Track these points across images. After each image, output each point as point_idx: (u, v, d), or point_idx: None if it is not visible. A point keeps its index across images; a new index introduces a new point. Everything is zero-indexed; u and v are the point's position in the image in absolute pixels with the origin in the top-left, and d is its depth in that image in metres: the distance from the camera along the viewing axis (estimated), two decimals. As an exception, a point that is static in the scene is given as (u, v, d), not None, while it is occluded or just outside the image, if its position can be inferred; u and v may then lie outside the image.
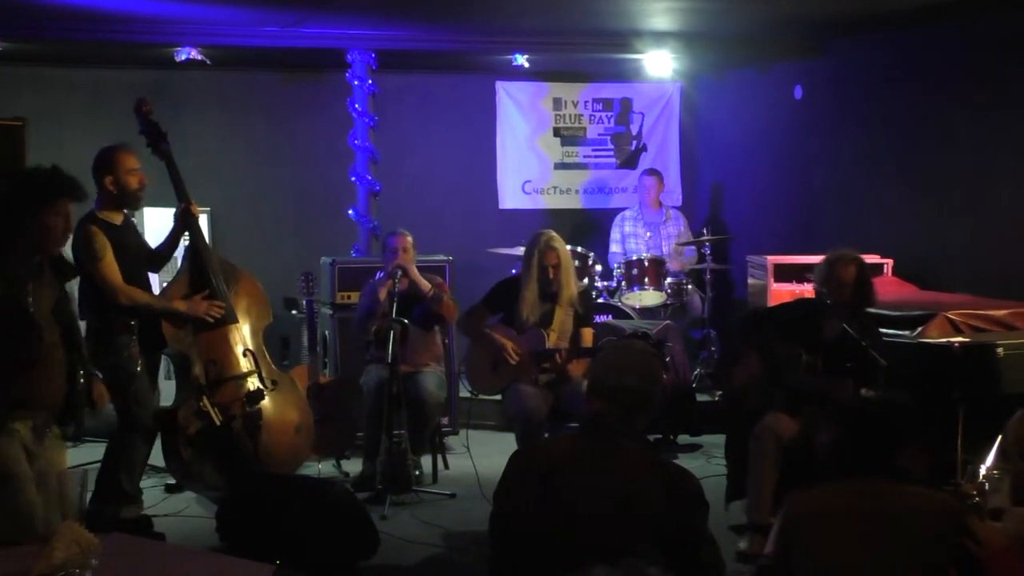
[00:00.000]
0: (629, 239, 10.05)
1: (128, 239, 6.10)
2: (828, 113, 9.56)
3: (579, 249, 9.00)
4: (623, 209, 10.48)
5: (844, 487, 3.36)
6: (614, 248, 10.17)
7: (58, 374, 4.62)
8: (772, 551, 3.47)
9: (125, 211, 6.15)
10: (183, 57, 9.21)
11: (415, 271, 7.20)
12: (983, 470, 4.20)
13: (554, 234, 6.93)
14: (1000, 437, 4.04)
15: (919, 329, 6.45)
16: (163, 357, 6.55)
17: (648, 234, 9.96)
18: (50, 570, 2.92)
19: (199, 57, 9.25)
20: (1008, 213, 7.66)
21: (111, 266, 5.89)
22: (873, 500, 3.29)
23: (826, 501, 3.38)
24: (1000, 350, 5.68)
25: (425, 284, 7.21)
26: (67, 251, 5.08)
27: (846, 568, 3.24)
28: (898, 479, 3.31)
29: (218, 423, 6.14)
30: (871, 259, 7.69)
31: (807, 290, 7.46)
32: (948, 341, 5.94)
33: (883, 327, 6.33)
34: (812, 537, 3.31)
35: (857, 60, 9.28)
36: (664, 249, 9.87)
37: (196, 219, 6.43)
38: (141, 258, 6.24)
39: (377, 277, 7.46)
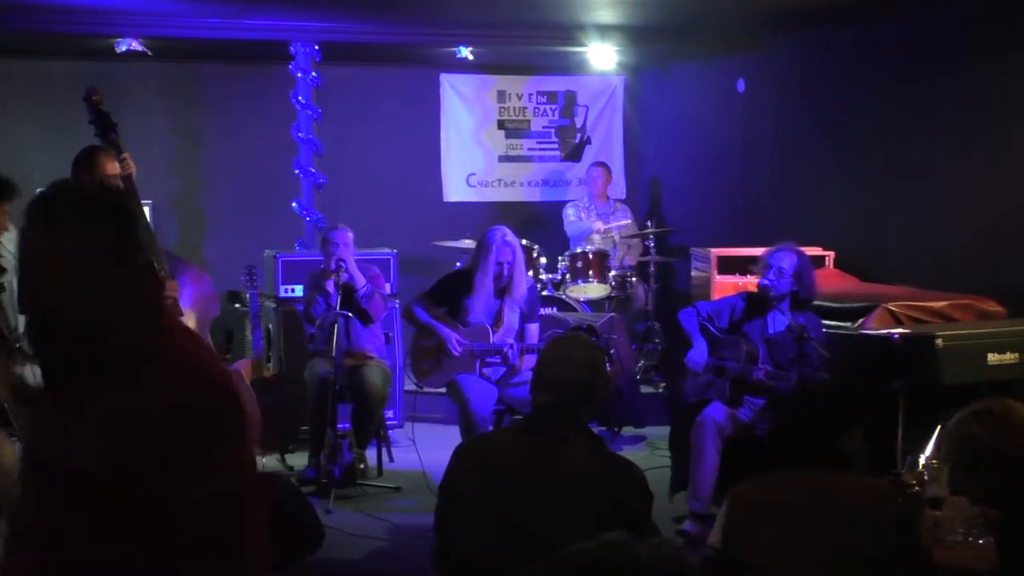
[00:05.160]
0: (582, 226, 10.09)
1: None
2: (770, 106, 9.62)
3: (524, 242, 9.01)
4: (569, 200, 10.52)
5: (785, 478, 3.39)
6: (571, 219, 10.20)
7: None
8: (716, 542, 3.49)
9: None
10: (123, 48, 9.12)
11: (353, 265, 7.18)
12: (923, 460, 4.26)
13: (508, 230, 6.92)
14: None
15: (860, 321, 6.51)
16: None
17: (602, 225, 9.99)
18: None
19: (140, 48, 9.17)
20: (947, 206, 7.74)
21: None
22: (813, 491, 3.31)
23: (767, 494, 3.40)
24: (939, 341, 5.74)
25: (360, 279, 7.19)
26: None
27: (788, 560, 3.26)
28: (838, 467, 3.34)
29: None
30: (813, 251, 7.75)
31: (750, 282, 7.51)
32: (888, 332, 5.99)
33: (825, 319, 6.39)
34: (754, 530, 3.33)
35: (799, 54, 9.34)
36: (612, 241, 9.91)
37: (139, 203, 6.37)
38: None
39: (320, 268, 7.45)
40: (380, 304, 7.35)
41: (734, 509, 3.45)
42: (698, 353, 6.22)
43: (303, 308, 7.42)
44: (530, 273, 8.65)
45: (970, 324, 6.42)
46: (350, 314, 7.11)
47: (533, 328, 6.97)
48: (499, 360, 6.81)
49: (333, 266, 7.10)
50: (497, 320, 6.84)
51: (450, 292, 6.97)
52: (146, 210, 6.54)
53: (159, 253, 6.31)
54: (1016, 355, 5.92)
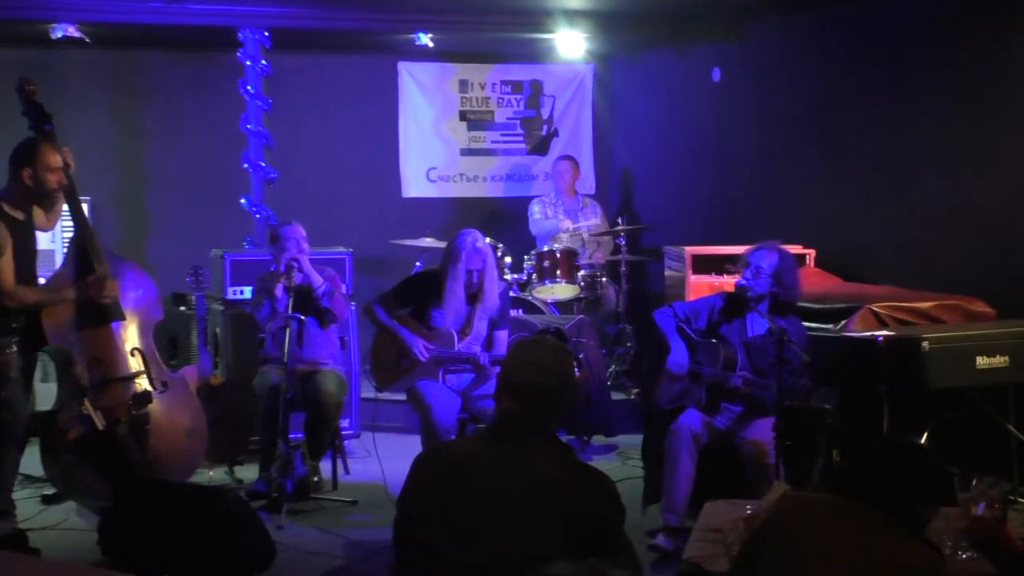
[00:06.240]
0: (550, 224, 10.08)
1: (27, 237, 6.05)
2: (747, 97, 9.64)
3: (487, 240, 9.00)
4: (535, 196, 10.52)
5: (841, 502, 3.36)
6: (536, 216, 10.20)
7: None
8: (693, 557, 3.49)
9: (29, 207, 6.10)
10: (59, 34, 9.04)
11: (308, 264, 7.15)
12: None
13: (479, 235, 6.90)
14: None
15: (843, 322, 6.53)
16: (40, 358, 6.44)
17: (571, 223, 10.00)
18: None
19: (76, 34, 9.10)
20: (933, 201, 7.77)
21: (8, 266, 5.83)
22: (863, 527, 3.28)
23: (819, 508, 3.39)
24: (925, 344, 5.76)
25: (317, 278, 7.15)
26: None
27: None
28: (897, 519, 3.30)
29: (101, 427, 6.04)
30: (794, 249, 7.78)
31: (727, 282, 7.53)
32: (872, 335, 6.01)
33: (806, 320, 6.41)
34: (790, 538, 3.32)
35: (778, 42, 9.37)
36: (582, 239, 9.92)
37: (77, 200, 6.33)
38: (35, 257, 6.17)
39: (270, 270, 7.41)
40: (342, 302, 7.33)
41: (779, 512, 3.44)
42: (679, 354, 6.21)
43: (262, 315, 7.35)
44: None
45: (958, 326, 6.45)
46: (303, 317, 7.08)
47: (502, 335, 6.95)
48: (464, 368, 6.80)
49: (283, 268, 7.06)
50: (466, 327, 6.83)
51: (414, 294, 6.94)
52: (84, 207, 6.49)
53: (100, 253, 6.29)
54: (1006, 358, 5.94)
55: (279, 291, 7.07)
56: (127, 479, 6.03)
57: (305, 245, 7.23)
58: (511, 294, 8.90)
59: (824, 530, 3.30)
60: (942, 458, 3.54)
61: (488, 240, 8.25)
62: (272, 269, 7.26)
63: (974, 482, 3.97)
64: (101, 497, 6.08)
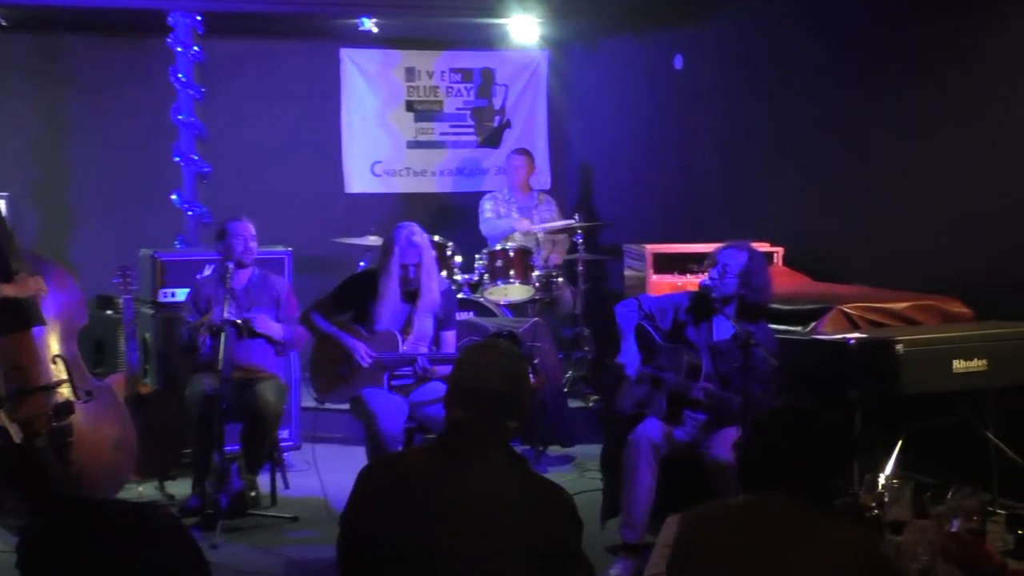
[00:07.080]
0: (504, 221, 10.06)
1: None
2: (712, 86, 9.67)
3: (436, 238, 8.97)
4: (487, 192, 10.48)
5: (750, 504, 3.36)
6: (488, 215, 10.14)
7: None
8: (660, 572, 3.47)
9: None
10: (-26, 17, 8.99)
11: (264, 323, 7.17)
12: (882, 479, 4.28)
13: (416, 228, 6.88)
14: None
15: (812, 324, 6.55)
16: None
17: (526, 220, 9.98)
18: None
19: (-7, 18, 9.04)
20: (908, 196, 7.81)
21: None
22: (781, 523, 3.28)
23: (727, 518, 3.38)
24: (899, 347, 5.80)
25: (276, 329, 7.20)
26: None
27: None
28: (810, 500, 3.30)
29: (18, 441, 5.97)
30: (760, 247, 7.80)
31: (690, 282, 7.53)
32: (844, 337, 6.04)
33: (773, 322, 6.41)
34: (706, 558, 3.31)
35: (743, 28, 9.39)
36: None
37: None
38: None
39: (205, 274, 7.36)
40: (301, 334, 7.27)
41: (687, 534, 3.43)
42: (628, 356, 6.19)
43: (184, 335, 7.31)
44: (444, 274, 8.61)
45: (933, 328, 6.49)
46: (239, 321, 7.03)
47: (449, 336, 6.95)
48: (410, 371, 6.77)
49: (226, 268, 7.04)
50: (407, 326, 6.80)
51: (354, 296, 6.92)
52: (2, 204, 6.42)
53: (18, 253, 6.22)
54: (984, 361, 6.00)
55: (201, 343, 7.09)
56: (47, 496, 5.97)
57: (253, 244, 7.21)
58: (461, 295, 8.88)
59: (743, 532, 3.30)
60: (822, 413, 3.55)
61: (436, 238, 8.26)
62: (210, 274, 7.23)
63: (950, 493, 3.99)
64: (19, 516, 6.02)
